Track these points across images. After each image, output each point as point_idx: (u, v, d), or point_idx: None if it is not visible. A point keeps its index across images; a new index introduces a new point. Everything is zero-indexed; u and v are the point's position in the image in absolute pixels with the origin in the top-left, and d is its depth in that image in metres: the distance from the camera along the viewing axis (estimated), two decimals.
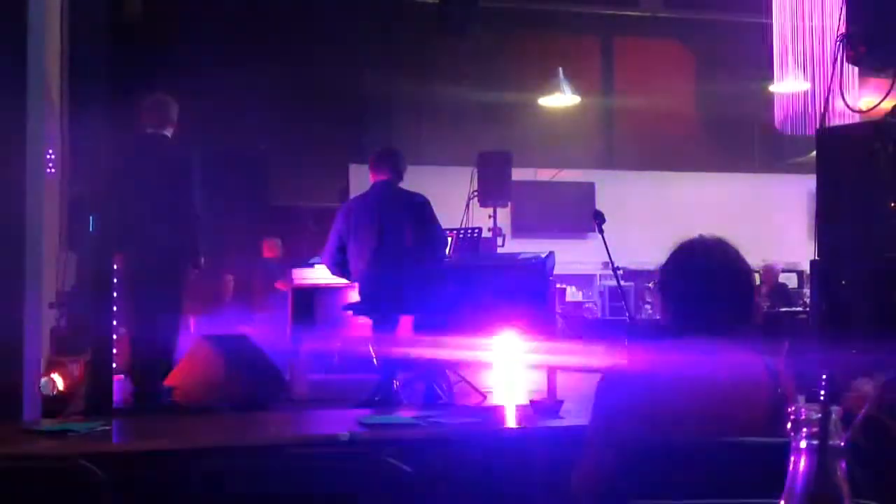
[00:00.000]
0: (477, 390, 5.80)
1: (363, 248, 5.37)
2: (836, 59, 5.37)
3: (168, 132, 5.79)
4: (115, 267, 5.10)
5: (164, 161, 5.71)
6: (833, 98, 5.55)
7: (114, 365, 4.84)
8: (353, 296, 5.57)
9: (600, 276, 12.29)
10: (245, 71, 11.85)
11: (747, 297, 2.35)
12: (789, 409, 0.92)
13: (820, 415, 0.89)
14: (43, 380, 4.41)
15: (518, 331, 5.71)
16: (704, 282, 2.29)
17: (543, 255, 5.70)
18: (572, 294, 12.02)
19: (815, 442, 0.89)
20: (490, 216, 9.99)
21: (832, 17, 7.97)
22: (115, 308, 4.94)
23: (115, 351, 4.92)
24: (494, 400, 5.69)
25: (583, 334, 9.28)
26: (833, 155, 5.14)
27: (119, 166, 5.57)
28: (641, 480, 1.97)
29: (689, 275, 2.33)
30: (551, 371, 5.56)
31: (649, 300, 10.86)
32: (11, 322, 3.95)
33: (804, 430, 0.90)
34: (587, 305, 11.64)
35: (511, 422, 4.24)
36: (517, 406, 4.71)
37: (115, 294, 4.89)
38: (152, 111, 5.74)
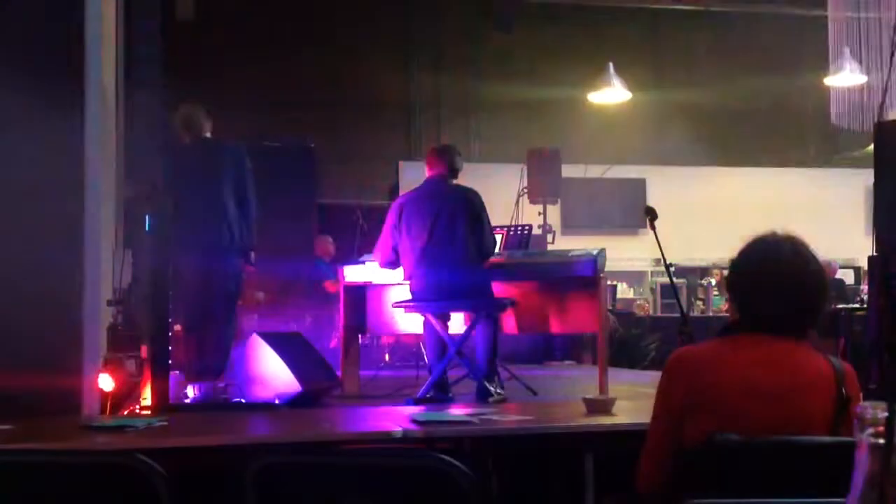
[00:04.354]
0: (529, 388, 5.79)
1: (415, 242, 5.39)
2: (893, 52, 5.27)
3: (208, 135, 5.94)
4: (170, 265, 5.17)
5: (218, 162, 5.81)
6: (891, 91, 5.45)
7: (170, 361, 4.91)
8: (405, 292, 5.58)
9: (652, 272, 12.19)
10: (295, 68, 11.97)
11: (818, 296, 2.30)
12: (855, 409, 0.91)
13: (886, 413, 0.88)
14: (101, 376, 4.48)
15: (569, 328, 5.68)
16: (775, 280, 2.25)
17: (594, 252, 5.66)
18: (623, 291, 11.96)
19: (880, 440, 0.88)
20: (540, 213, 9.96)
21: (888, 8, 7.83)
22: (171, 305, 5.00)
23: (171, 348, 4.98)
24: (547, 397, 5.68)
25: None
26: (891, 148, 5.05)
27: (173, 168, 5.67)
28: (702, 476, 1.95)
29: (760, 272, 2.29)
30: (603, 368, 5.53)
31: (702, 297, 10.75)
32: (71, 319, 4.02)
33: (869, 428, 0.89)
34: (639, 302, 11.56)
35: (564, 420, 4.22)
36: (570, 404, 4.69)
37: (170, 292, 4.95)
38: (184, 125, 5.90)
